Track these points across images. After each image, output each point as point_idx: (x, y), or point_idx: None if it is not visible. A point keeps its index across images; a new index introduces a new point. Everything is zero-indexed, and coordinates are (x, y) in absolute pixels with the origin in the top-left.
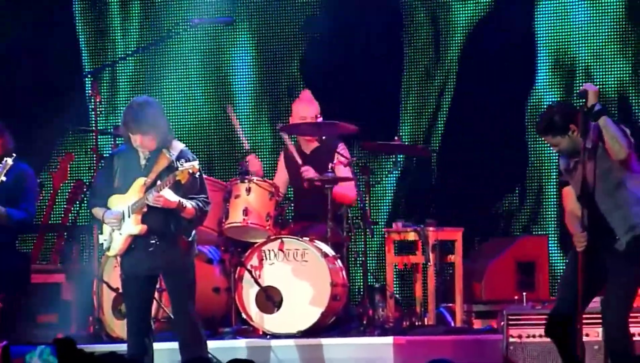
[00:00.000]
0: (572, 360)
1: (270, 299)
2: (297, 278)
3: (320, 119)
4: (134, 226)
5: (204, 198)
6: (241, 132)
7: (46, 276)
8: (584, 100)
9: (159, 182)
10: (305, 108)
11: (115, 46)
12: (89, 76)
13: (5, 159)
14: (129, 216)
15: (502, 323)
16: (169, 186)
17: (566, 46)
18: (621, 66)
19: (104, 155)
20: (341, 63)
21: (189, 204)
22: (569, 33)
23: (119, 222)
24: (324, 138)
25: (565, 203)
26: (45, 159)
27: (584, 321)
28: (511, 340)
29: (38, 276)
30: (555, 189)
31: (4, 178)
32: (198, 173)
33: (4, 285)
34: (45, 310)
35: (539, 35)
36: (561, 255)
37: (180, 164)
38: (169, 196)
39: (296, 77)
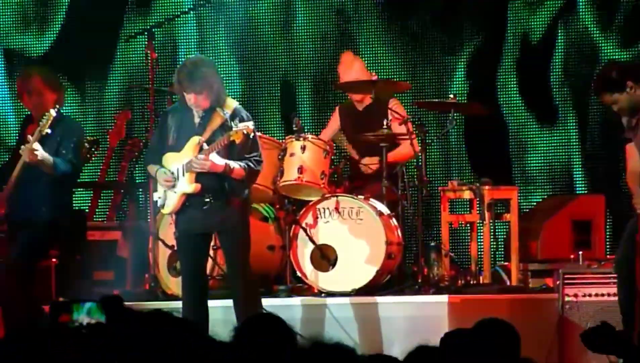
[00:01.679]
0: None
1: (325, 257)
2: (352, 237)
3: (375, 77)
4: (188, 184)
5: (256, 157)
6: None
7: (102, 234)
8: None
9: (207, 146)
10: (346, 72)
11: (171, 3)
12: (145, 33)
13: (46, 112)
14: (183, 175)
15: (558, 282)
16: (223, 146)
17: None
18: None
19: (160, 112)
20: (390, 23)
21: (237, 165)
22: None
23: (172, 183)
24: (371, 96)
25: (628, 160)
26: (102, 116)
27: None
28: (567, 299)
29: (94, 233)
30: (613, 147)
31: (48, 131)
32: (252, 134)
33: (60, 242)
34: (101, 267)
35: None
36: (618, 214)
37: (235, 124)
38: (216, 160)
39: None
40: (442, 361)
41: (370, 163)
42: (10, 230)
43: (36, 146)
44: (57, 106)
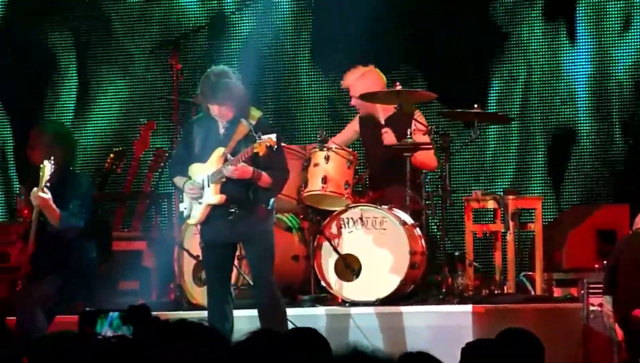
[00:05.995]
0: None
1: (349, 267)
2: (376, 246)
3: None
4: (213, 196)
5: (282, 167)
6: None
7: (127, 244)
8: None
9: (231, 157)
10: (359, 86)
11: (196, 14)
12: (170, 44)
13: (43, 163)
14: (208, 186)
15: (583, 291)
16: (246, 157)
17: None
18: None
19: (185, 123)
20: (418, 31)
21: (264, 173)
22: None
23: (199, 193)
24: (395, 106)
25: None
26: (127, 127)
27: None
28: (592, 308)
29: (119, 243)
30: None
31: (48, 184)
32: (275, 146)
33: (85, 292)
34: (126, 277)
35: None
36: None
37: (259, 137)
38: (244, 167)
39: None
40: None
41: (389, 132)
42: (36, 274)
43: (43, 193)
44: (51, 159)
